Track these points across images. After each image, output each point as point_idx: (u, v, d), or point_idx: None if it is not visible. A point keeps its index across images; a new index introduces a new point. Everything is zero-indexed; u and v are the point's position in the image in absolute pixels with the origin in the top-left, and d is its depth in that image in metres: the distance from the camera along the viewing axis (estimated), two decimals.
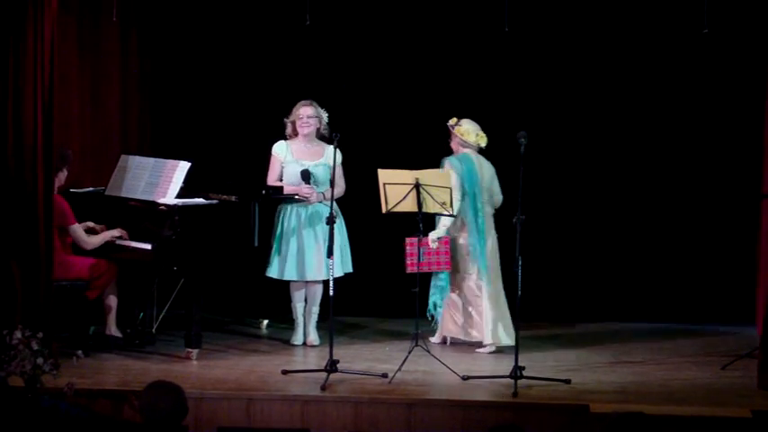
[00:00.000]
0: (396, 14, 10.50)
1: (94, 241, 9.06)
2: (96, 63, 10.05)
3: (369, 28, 10.58)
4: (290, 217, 9.26)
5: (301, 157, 9.27)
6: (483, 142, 9.36)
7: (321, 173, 9.23)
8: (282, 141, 9.35)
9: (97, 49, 10.04)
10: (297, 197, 9.23)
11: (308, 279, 9.28)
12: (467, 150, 9.33)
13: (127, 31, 10.27)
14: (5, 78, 8.38)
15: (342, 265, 9.26)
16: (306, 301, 9.43)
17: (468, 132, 9.35)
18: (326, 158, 9.14)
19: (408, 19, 10.50)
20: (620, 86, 10.47)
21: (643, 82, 10.45)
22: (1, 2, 8.36)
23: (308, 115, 9.26)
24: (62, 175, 9.04)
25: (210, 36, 10.75)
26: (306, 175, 9.17)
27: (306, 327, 9.44)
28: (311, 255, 9.21)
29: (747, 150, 10.11)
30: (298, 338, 9.48)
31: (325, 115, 9.32)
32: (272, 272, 9.33)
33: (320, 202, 9.21)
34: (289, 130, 9.34)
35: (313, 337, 9.43)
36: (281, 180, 9.32)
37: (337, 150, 8.78)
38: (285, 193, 9.21)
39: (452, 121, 9.41)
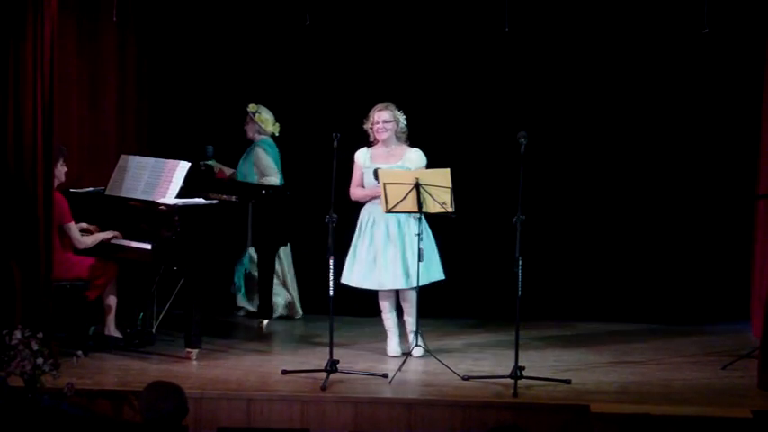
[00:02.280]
0: (396, 14, 10.51)
1: (87, 241, 9.06)
2: (96, 63, 10.06)
3: (369, 28, 10.58)
4: (368, 221, 9.00)
5: (378, 160, 8.99)
6: (277, 131, 10.04)
7: None
8: (364, 148, 9.11)
9: (97, 50, 10.05)
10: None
11: (387, 287, 8.97)
12: (264, 137, 10.00)
13: (126, 32, 10.27)
14: (5, 78, 8.38)
15: (427, 272, 8.90)
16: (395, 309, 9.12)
17: (267, 121, 9.99)
18: (405, 161, 8.94)
19: (408, 19, 10.51)
20: (619, 86, 10.47)
21: (642, 82, 10.45)
22: (1, 2, 8.36)
23: (383, 120, 9.01)
24: (60, 171, 9.01)
25: (210, 36, 10.76)
26: (377, 175, 8.85)
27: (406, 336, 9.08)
28: (387, 261, 8.89)
29: (743, 151, 10.12)
30: (393, 349, 9.13)
31: (402, 117, 9.06)
32: (346, 279, 9.03)
33: None
34: (371, 136, 9.06)
35: (415, 348, 8.94)
36: (362, 186, 9.07)
37: (418, 153, 8.88)
38: (364, 195, 8.98)
39: (253, 108, 9.99)
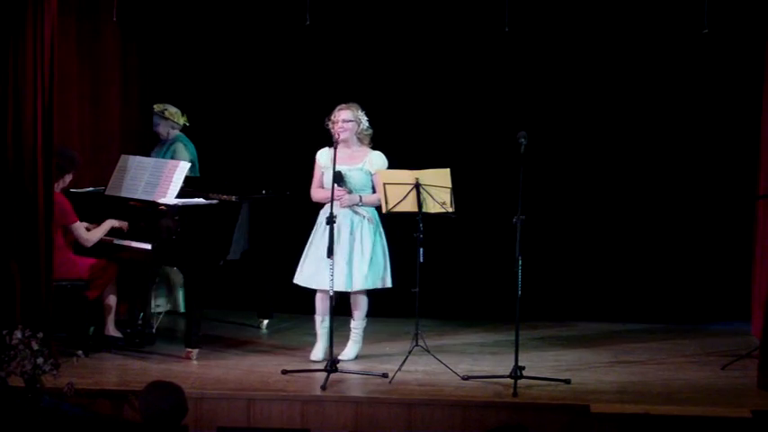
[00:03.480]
0: (396, 14, 10.50)
1: (94, 237, 9.04)
2: (96, 63, 10.05)
3: (369, 28, 10.58)
4: (323, 221, 8.80)
5: (339, 162, 8.75)
6: (187, 122, 10.24)
7: (356, 177, 8.82)
8: (325, 148, 8.93)
9: (97, 50, 10.04)
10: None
11: (331, 288, 8.70)
12: (178, 131, 10.11)
13: (126, 32, 10.26)
14: (5, 78, 8.38)
15: (374, 277, 8.81)
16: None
17: (176, 114, 10.12)
18: (365, 164, 8.83)
19: (408, 19, 10.50)
20: (619, 86, 10.47)
21: (642, 82, 10.45)
22: (1, 2, 8.36)
23: (343, 119, 8.83)
24: (68, 178, 9.06)
25: (210, 36, 10.75)
26: (338, 178, 8.72)
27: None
28: (336, 262, 8.68)
29: (743, 151, 10.12)
30: (316, 354, 8.97)
31: (364, 119, 8.90)
32: (297, 278, 8.97)
33: (355, 205, 8.80)
34: (333, 136, 8.84)
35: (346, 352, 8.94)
36: (322, 186, 8.91)
37: (379, 156, 8.79)
38: (323, 197, 8.81)
39: (159, 107, 10.14)
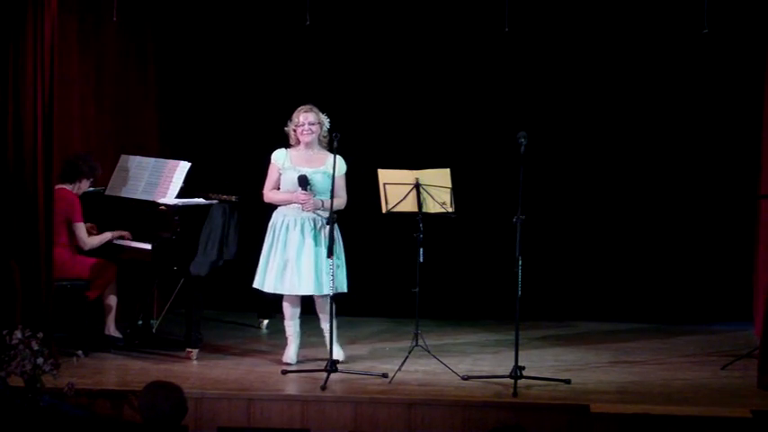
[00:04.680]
0: (396, 14, 10.51)
1: (93, 242, 9.07)
2: (97, 63, 10.06)
3: (369, 28, 10.58)
4: (282, 225, 8.77)
5: (300, 164, 8.75)
6: None
7: (320, 180, 8.74)
8: (282, 149, 8.87)
9: (98, 49, 10.05)
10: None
11: (302, 293, 8.75)
12: None
13: (127, 32, 10.27)
14: (5, 78, 8.38)
15: (336, 280, 8.66)
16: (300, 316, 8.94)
17: None
18: (327, 167, 8.71)
19: (408, 19, 10.50)
20: (619, 87, 10.47)
21: (642, 82, 10.46)
22: (1, 2, 8.36)
23: (309, 122, 8.77)
24: (85, 184, 9.11)
25: (210, 36, 10.76)
26: (303, 181, 8.68)
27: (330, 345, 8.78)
28: (303, 266, 8.70)
29: (745, 151, 10.12)
30: (289, 357, 8.88)
31: (326, 121, 8.84)
32: (259, 283, 8.83)
33: (318, 209, 8.72)
34: (292, 138, 8.84)
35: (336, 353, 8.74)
36: (278, 188, 8.85)
37: (340, 159, 8.69)
38: (281, 199, 8.77)
39: None
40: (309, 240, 8.73)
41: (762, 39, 9.64)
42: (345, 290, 8.84)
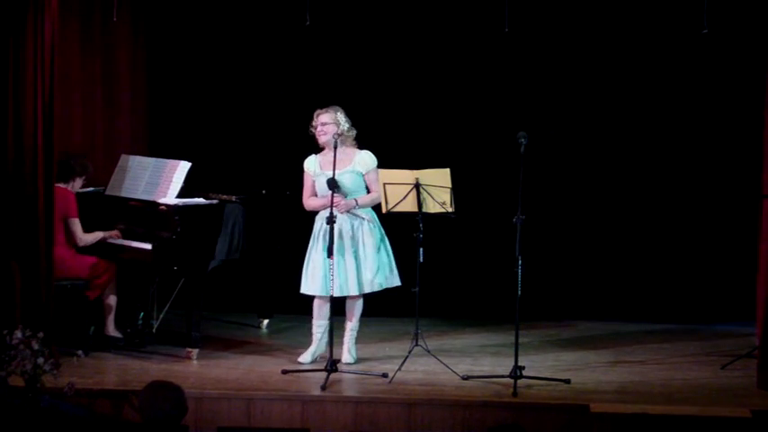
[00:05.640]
0: (396, 14, 10.50)
1: (88, 239, 9.08)
2: (97, 63, 10.06)
3: (369, 28, 10.58)
4: (320, 229, 8.76)
5: (328, 167, 8.66)
6: None
7: (348, 180, 8.72)
8: (312, 155, 8.87)
9: (98, 49, 10.04)
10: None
11: (336, 294, 8.69)
12: None
13: (127, 31, 10.27)
14: (5, 78, 8.39)
15: (380, 277, 8.74)
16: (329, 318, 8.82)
17: None
18: (354, 165, 8.74)
19: (408, 19, 10.50)
20: (619, 86, 10.47)
21: (643, 82, 10.45)
22: (1, 2, 8.36)
23: (321, 123, 8.75)
24: (78, 183, 9.12)
25: (210, 36, 10.75)
26: (331, 185, 8.61)
27: (344, 344, 8.82)
28: (342, 268, 8.71)
29: (748, 150, 10.10)
30: (305, 357, 8.89)
31: (343, 120, 8.75)
32: (306, 288, 8.78)
33: (352, 209, 8.73)
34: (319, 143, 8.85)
35: (347, 356, 8.87)
36: (315, 195, 8.84)
37: (367, 154, 8.71)
38: (318, 205, 8.75)
39: None
40: (348, 241, 8.73)
41: (763, 38, 9.63)
42: (398, 283, 8.88)
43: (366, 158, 8.81)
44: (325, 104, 8.97)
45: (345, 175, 8.75)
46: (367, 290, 8.78)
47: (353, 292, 8.76)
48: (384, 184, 8.64)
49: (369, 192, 8.81)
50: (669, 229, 10.52)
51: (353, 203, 8.75)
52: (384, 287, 8.85)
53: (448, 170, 8.63)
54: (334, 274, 8.61)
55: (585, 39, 10.43)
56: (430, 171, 8.69)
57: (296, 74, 10.69)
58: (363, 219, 8.80)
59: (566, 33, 10.43)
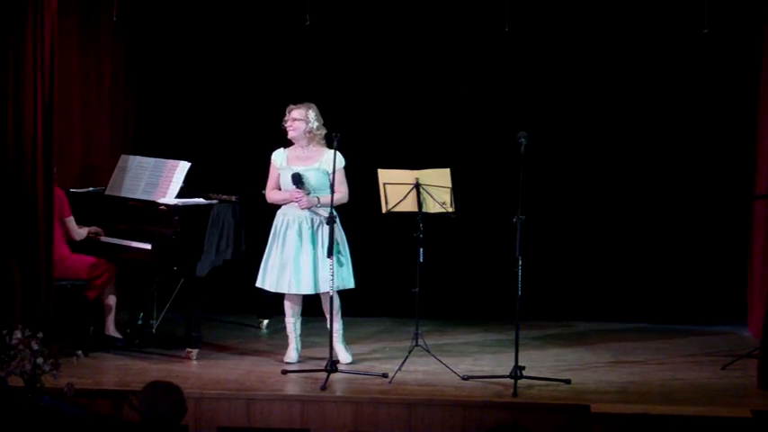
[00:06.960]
0: (396, 14, 10.50)
1: (83, 233, 9.11)
2: (97, 63, 10.06)
3: (369, 28, 10.58)
4: (282, 224, 8.79)
5: (295, 162, 8.75)
6: None
7: (314, 177, 8.72)
8: (281, 149, 8.89)
9: (98, 49, 10.05)
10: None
11: (302, 292, 8.76)
12: None
13: (128, 31, 10.26)
14: (5, 78, 8.38)
15: (337, 278, 8.59)
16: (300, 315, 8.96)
17: None
18: (321, 164, 8.72)
19: (408, 19, 10.50)
20: (619, 86, 10.47)
21: (642, 82, 10.45)
22: (1, 2, 8.36)
23: (292, 118, 8.77)
24: None
25: (210, 36, 10.75)
26: (296, 179, 8.67)
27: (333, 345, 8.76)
28: (301, 265, 8.72)
29: (741, 151, 10.12)
30: (291, 356, 8.92)
31: (313, 118, 8.75)
32: (260, 282, 8.85)
33: (315, 206, 8.71)
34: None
35: (342, 356, 8.86)
36: (279, 188, 8.86)
37: (338, 154, 8.66)
38: (280, 199, 8.80)
39: None
40: (307, 239, 8.73)
41: (758, 39, 9.65)
42: (352, 285, 8.85)
43: (331, 158, 8.67)
44: (324, 104, 8.97)
45: (311, 172, 8.74)
46: (322, 289, 8.69)
47: (308, 290, 8.74)
48: (384, 184, 8.64)
49: (332, 192, 8.66)
50: (668, 228, 10.52)
51: (315, 201, 8.72)
52: (339, 288, 8.73)
53: (448, 170, 8.63)
54: (292, 270, 8.67)
55: (585, 39, 10.43)
56: (430, 171, 8.70)
57: (296, 74, 10.68)
58: (324, 218, 8.70)
59: (566, 33, 10.43)
